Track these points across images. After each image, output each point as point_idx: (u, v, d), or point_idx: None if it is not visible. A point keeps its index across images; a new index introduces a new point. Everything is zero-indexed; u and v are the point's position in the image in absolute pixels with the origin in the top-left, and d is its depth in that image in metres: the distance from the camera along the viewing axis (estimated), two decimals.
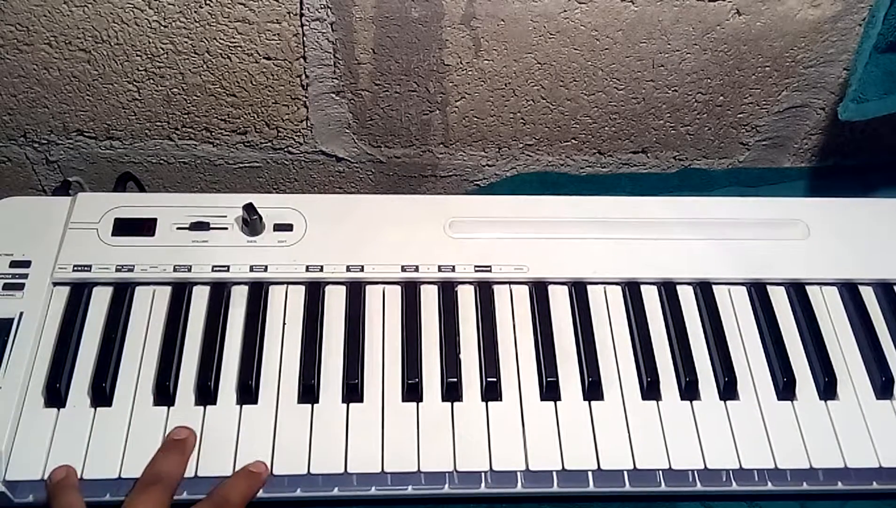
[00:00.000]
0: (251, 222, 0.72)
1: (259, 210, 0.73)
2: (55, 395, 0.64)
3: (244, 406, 0.65)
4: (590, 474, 0.66)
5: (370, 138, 0.93)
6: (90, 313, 0.69)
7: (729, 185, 0.94)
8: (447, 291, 0.72)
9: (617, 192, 0.92)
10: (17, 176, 0.96)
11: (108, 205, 0.74)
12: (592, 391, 0.67)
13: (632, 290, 0.73)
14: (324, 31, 0.81)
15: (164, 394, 0.65)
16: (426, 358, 0.69)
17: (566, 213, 0.77)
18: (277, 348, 0.69)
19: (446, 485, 0.65)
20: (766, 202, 0.79)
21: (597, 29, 0.82)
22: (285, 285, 0.72)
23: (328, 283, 0.72)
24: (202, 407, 0.65)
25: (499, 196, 0.79)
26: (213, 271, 0.71)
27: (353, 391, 0.66)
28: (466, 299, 0.72)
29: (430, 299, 0.72)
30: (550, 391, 0.67)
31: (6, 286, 0.69)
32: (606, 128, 0.92)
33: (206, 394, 0.65)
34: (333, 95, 0.88)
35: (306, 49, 0.83)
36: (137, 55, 0.83)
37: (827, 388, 0.69)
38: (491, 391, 0.67)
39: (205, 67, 0.84)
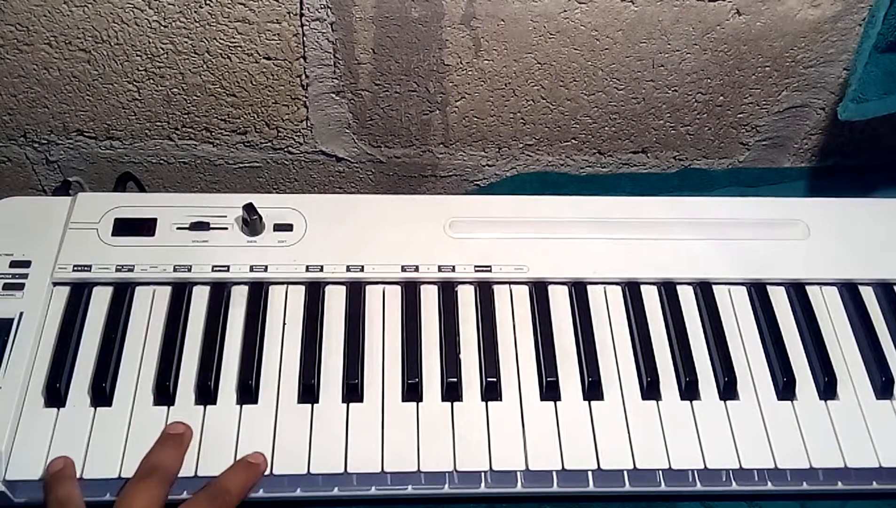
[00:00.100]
0: (251, 222, 0.73)
1: (259, 210, 0.73)
2: (55, 395, 0.64)
3: (244, 406, 0.65)
4: (590, 474, 0.66)
5: (370, 138, 0.93)
6: (90, 314, 0.69)
7: (729, 185, 0.94)
8: (447, 291, 0.72)
9: (617, 192, 0.92)
10: (17, 176, 0.97)
11: (108, 205, 0.74)
12: (592, 390, 0.67)
13: (632, 290, 0.73)
14: (324, 31, 0.81)
15: (164, 394, 0.65)
16: (426, 358, 0.69)
17: (566, 213, 0.77)
18: (277, 348, 0.69)
19: (446, 485, 0.65)
20: (766, 202, 0.79)
21: (597, 29, 0.82)
22: (285, 285, 0.72)
23: (328, 283, 0.72)
24: (202, 407, 0.65)
25: (499, 196, 0.79)
26: (213, 271, 0.71)
27: (353, 391, 0.66)
28: (466, 299, 0.72)
29: (430, 299, 0.72)
30: (550, 390, 0.67)
31: (6, 286, 0.69)
32: (606, 128, 0.92)
33: (206, 394, 0.65)
34: (333, 95, 0.88)
35: (306, 49, 0.83)
36: (137, 55, 0.83)
37: (827, 388, 0.69)
38: (491, 391, 0.67)
39: (205, 67, 0.84)
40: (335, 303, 0.71)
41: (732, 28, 0.83)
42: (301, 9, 0.79)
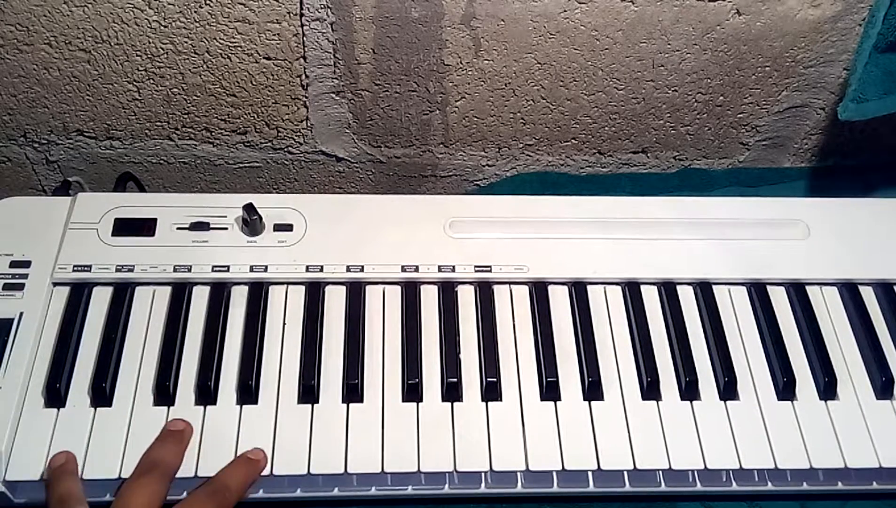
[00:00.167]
0: (251, 222, 0.72)
1: (259, 210, 0.73)
2: (55, 395, 0.64)
3: (244, 406, 0.65)
4: (590, 474, 0.66)
5: (370, 138, 0.93)
6: (90, 314, 0.69)
7: (729, 185, 0.94)
8: (447, 291, 0.72)
9: (617, 192, 0.92)
10: (17, 176, 0.97)
11: (108, 205, 0.74)
12: (592, 391, 0.67)
13: (632, 290, 0.73)
14: (324, 31, 0.81)
15: (164, 394, 0.65)
16: (426, 358, 0.69)
17: (566, 213, 0.77)
18: (277, 348, 0.69)
19: (446, 485, 0.65)
20: (766, 202, 0.79)
21: (597, 29, 0.82)
22: (285, 286, 0.72)
23: (328, 283, 0.72)
24: (202, 407, 0.65)
25: (499, 196, 0.79)
26: (213, 271, 0.71)
27: (353, 392, 0.66)
28: (466, 299, 0.72)
29: (430, 299, 0.72)
30: (550, 391, 0.67)
31: (6, 286, 0.69)
32: (606, 128, 0.92)
33: (206, 394, 0.65)
34: (333, 95, 0.88)
35: (306, 49, 0.83)
36: (137, 55, 0.83)
37: (827, 388, 0.69)
38: (491, 392, 0.67)
39: (205, 67, 0.84)
40: (335, 303, 0.71)
41: (732, 28, 0.83)
42: (301, 9, 0.79)
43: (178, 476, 0.62)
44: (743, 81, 0.88)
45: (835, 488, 0.67)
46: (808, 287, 0.74)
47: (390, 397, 0.67)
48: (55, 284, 0.70)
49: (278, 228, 0.74)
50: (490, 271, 0.73)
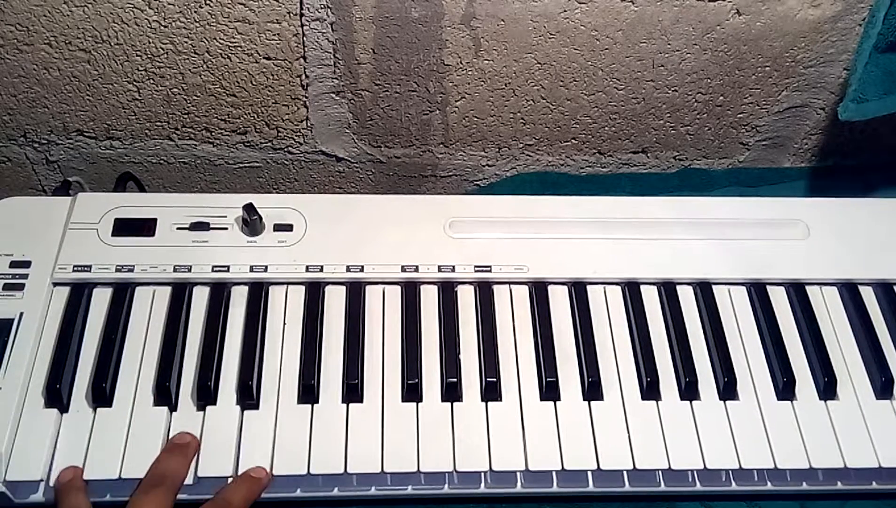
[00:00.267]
0: (251, 222, 0.73)
1: (259, 210, 0.73)
2: (55, 395, 0.64)
3: (244, 407, 0.65)
4: (589, 474, 0.66)
5: (370, 138, 0.93)
6: (90, 314, 0.69)
7: (729, 185, 0.94)
8: (447, 291, 0.72)
9: (617, 192, 0.92)
10: (17, 176, 0.97)
11: (108, 205, 0.74)
12: (592, 391, 0.67)
13: (632, 290, 0.73)
14: (324, 31, 0.81)
15: (165, 394, 0.65)
16: (426, 358, 0.69)
17: (566, 213, 0.77)
18: (277, 348, 0.69)
19: (446, 485, 0.65)
20: (766, 202, 0.79)
21: (597, 29, 0.82)
22: (285, 286, 0.72)
23: (328, 283, 0.72)
24: (202, 408, 0.65)
25: (499, 196, 0.79)
26: (213, 271, 0.71)
27: (352, 392, 0.66)
28: (466, 299, 0.72)
29: (429, 299, 0.72)
30: (550, 391, 0.67)
31: (6, 287, 0.69)
32: (606, 128, 0.92)
33: (207, 394, 0.65)
34: (333, 95, 0.88)
35: (306, 49, 0.83)
36: (137, 55, 0.83)
37: (827, 388, 0.69)
38: (491, 392, 0.67)
39: (205, 67, 0.84)
40: (335, 303, 0.71)
41: (732, 28, 0.83)
42: (301, 9, 0.79)
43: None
44: (743, 81, 0.88)
45: (834, 488, 0.67)
46: (808, 287, 0.74)
47: (390, 397, 0.67)
48: (55, 284, 0.70)
49: (278, 228, 0.74)
50: (490, 271, 0.73)
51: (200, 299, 0.71)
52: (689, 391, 0.68)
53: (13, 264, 0.70)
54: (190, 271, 0.71)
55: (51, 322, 0.68)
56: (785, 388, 0.68)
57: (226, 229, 0.74)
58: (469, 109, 0.89)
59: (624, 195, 0.79)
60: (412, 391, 0.67)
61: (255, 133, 0.92)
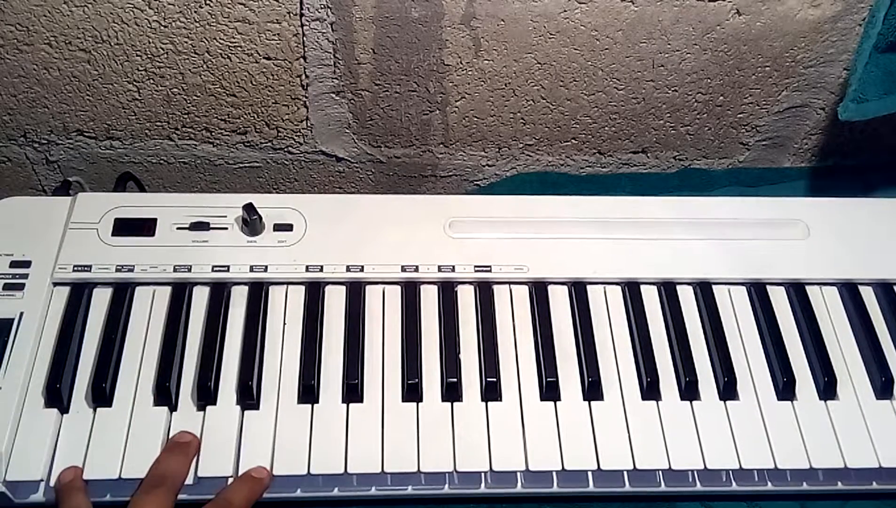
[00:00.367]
0: (251, 222, 0.72)
1: (259, 210, 0.73)
2: (55, 395, 0.64)
3: (244, 407, 0.65)
4: (589, 474, 0.66)
5: (370, 138, 0.93)
6: (90, 314, 0.69)
7: (729, 185, 0.94)
8: (447, 291, 0.72)
9: (617, 192, 0.92)
10: (17, 176, 0.97)
11: (108, 205, 0.74)
12: (592, 391, 0.67)
13: (632, 290, 0.73)
14: (324, 31, 0.81)
15: (165, 394, 0.65)
16: (426, 358, 0.69)
17: (566, 213, 0.77)
18: (277, 348, 0.69)
19: (446, 485, 0.65)
20: (766, 202, 0.79)
21: (597, 29, 0.82)
22: (285, 286, 0.72)
23: (328, 283, 0.72)
24: (202, 408, 0.65)
25: (499, 196, 0.79)
26: (213, 271, 0.71)
27: (352, 392, 0.66)
28: (466, 299, 0.72)
29: (429, 299, 0.72)
30: (550, 391, 0.67)
31: (6, 286, 0.69)
32: (606, 128, 0.92)
33: (206, 394, 0.65)
34: (333, 95, 0.88)
35: (306, 49, 0.83)
36: (137, 55, 0.83)
37: (827, 388, 0.68)
38: (491, 392, 0.67)
39: (205, 67, 0.84)
40: (335, 303, 0.71)
41: (732, 28, 0.83)
42: (301, 9, 0.79)
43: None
44: (743, 81, 0.88)
45: (834, 488, 0.67)
46: (808, 287, 0.74)
47: (390, 397, 0.67)
48: (55, 284, 0.70)
49: (278, 228, 0.74)
50: (490, 271, 0.73)
51: (200, 300, 0.71)
52: (689, 391, 0.68)
53: (13, 264, 0.70)
54: (190, 271, 0.71)
55: (51, 322, 0.68)
56: (785, 388, 0.68)
57: (226, 228, 0.74)
58: (469, 109, 0.89)
59: (624, 195, 0.79)
60: (412, 391, 0.67)
61: (255, 133, 0.92)
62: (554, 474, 0.66)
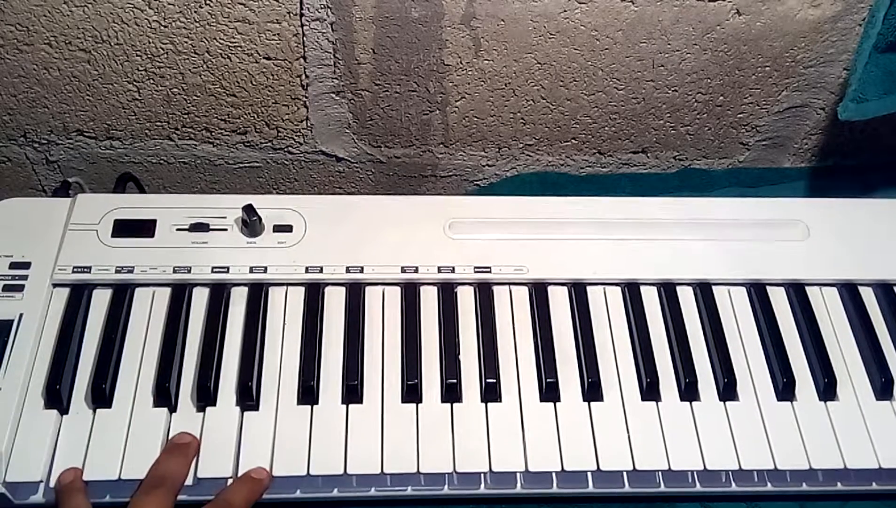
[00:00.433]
0: (251, 223, 0.72)
1: (259, 211, 0.73)
2: (55, 396, 0.64)
3: (244, 408, 0.65)
4: (589, 475, 0.66)
5: (370, 138, 0.93)
6: (90, 315, 0.69)
7: (729, 185, 0.94)
8: (447, 292, 0.72)
9: (617, 192, 0.92)
10: (17, 176, 0.97)
11: (108, 206, 0.74)
12: (592, 392, 0.67)
13: (631, 291, 0.73)
14: (324, 31, 0.81)
15: (164, 396, 0.65)
16: (426, 359, 0.69)
17: (566, 213, 0.77)
18: (277, 349, 0.69)
19: (446, 486, 0.65)
20: (766, 202, 0.79)
21: (597, 29, 0.82)
22: (285, 287, 0.72)
23: (328, 284, 0.72)
24: (202, 409, 0.65)
25: (499, 196, 0.79)
26: (212, 272, 0.71)
27: (352, 393, 0.66)
28: (466, 300, 0.72)
29: (429, 300, 0.72)
30: (550, 392, 0.67)
31: (6, 288, 0.69)
32: (606, 128, 0.92)
33: (206, 395, 0.65)
34: (333, 95, 0.88)
35: (306, 49, 0.83)
36: (137, 55, 0.83)
37: (827, 389, 0.68)
38: (490, 393, 0.67)
39: (205, 67, 0.84)
40: (335, 304, 0.71)
41: (732, 28, 0.83)
42: (301, 9, 0.79)
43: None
44: (743, 81, 0.88)
45: (834, 489, 0.67)
46: (807, 288, 0.74)
47: (390, 398, 0.67)
48: (55, 285, 0.70)
49: (278, 229, 0.74)
50: (490, 271, 0.73)
51: (200, 300, 0.71)
52: (688, 391, 0.68)
53: (13, 265, 0.70)
54: (190, 272, 0.71)
55: (51, 323, 0.68)
56: (785, 389, 0.68)
57: (225, 230, 0.74)
58: (469, 109, 0.89)
59: (624, 195, 0.79)
60: (412, 392, 0.67)
61: (255, 133, 0.92)
62: (553, 475, 0.66)
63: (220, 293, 0.71)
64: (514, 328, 0.71)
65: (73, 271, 0.70)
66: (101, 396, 0.65)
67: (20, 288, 0.69)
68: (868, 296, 0.74)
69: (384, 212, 0.76)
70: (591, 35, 0.83)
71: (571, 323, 0.71)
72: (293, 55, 0.84)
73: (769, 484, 0.67)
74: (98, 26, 0.80)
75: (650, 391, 0.68)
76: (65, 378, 0.65)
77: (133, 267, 0.71)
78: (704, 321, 0.72)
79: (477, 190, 0.99)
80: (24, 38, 0.81)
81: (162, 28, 0.81)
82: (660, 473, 0.66)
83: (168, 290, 0.71)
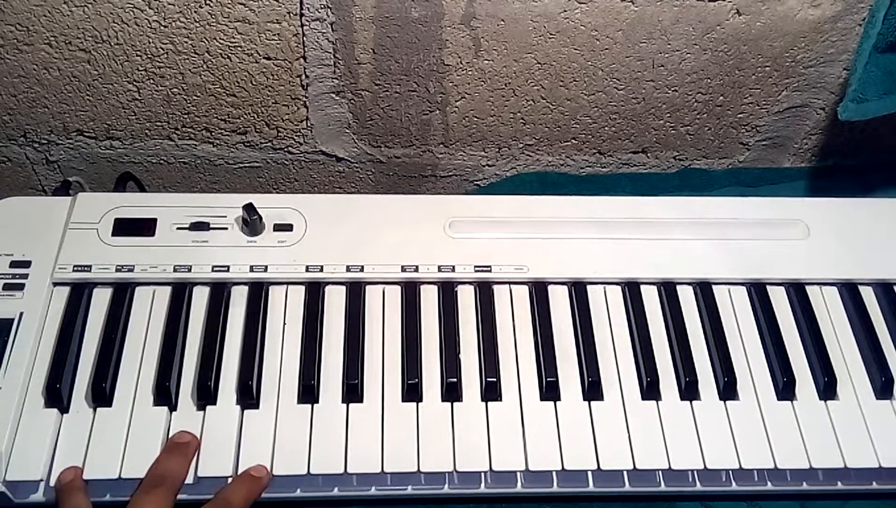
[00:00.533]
0: (251, 222, 0.72)
1: (259, 210, 0.73)
2: (55, 395, 0.64)
3: (244, 406, 0.65)
4: (589, 474, 0.66)
5: (370, 138, 0.93)
6: (90, 314, 0.69)
7: (729, 185, 0.94)
8: (447, 291, 0.72)
9: (617, 192, 0.92)
10: (17, 176, 0.97)
11: (109, 205, 0.74)
12: (592, 391, 0.67)
13: (632, 290, 0.73)
14: (324, 31, 0.81)
15: (165, 394, 0.65)
16: (426, 358, 0.69)
17: (566, 213, 0.77)
18: (277, 348, 0.69)
19: (446, 485, 0.65)
20: (766, 202, 0.79)
21: (597, 29, 0.82)
22: (285, 286, 0.72)
23: (328, 283, 0.72)
24: (202, 407, 0.65)
25: (499, 196, 0.79)
26: (213, 271, 0.71)
27: (352, 392, 0.66)
28: (466, 299, 0.72)
29: (429, 299, 0.72)
30: (550, 391, 0.67)
31: (6, 287, 0.69)
32: (606, 128, 0.92)
33: (206, 394, 0.65)
34: (333, 95, 0.88)
35: (306, 49, 0.83)
36: (137, 55, 0.83)
37: (827, 388, 0.68)
38: (491, 392, 0.67)
39: (205, 67, 0.84)
40: (335, 303, 0.71)
41: (732, 28, 0.83)
42: (301, 9, 0.79)
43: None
44: (743, 81, 0.88)
45: (834, 488, 0.67)
46: (807, 287, 0.74)
47: (390, 397, 0.67)
48: (55, 284, 0.70)
49: (278, 228, 0.74)
50: (490, 271, 0.73)
51: (200, 300, 0.71)
52: (689, 391, 0.68)
53: (13, 264, 0.70)
54: (190, 271, 0.71)
55: (51, 322, 0.68)
56: (785, 388, 0.68)
57: (226, 229, 0.74)
58: (469, 109, 0.89)
59: (624, 195, 0.79)
60: (412, 391, 0.67)
61: (255, 133, 0.92)
62: (554, 474, 0.66)
63: (220, 292, 0.71)
64: (514, 327, 0.71)
65: (74, 270, 0.70)
66: (102, 395, 0.65)
67: (20, 287, 0.69)
68: (868, 295, 0.74)
69: (384, 211, 0.76)
70: (591, 35, 0.83)
71: (572, 322, 0.71)
72: (293, 55, 0.84)
73: (769, 483, 0.67)
74: (98, 26, 0.80)
75: (650, 390, 0.68)
76: (65, 377, 0.65)
77: (133, 266, 0.71)
78: (704, 320, 0.72)
79: (477, 190, 0.99)
80: (24, 38, 0.81)
81: (162, 28, 0.81)
82: (660, 472, 0.66)
83: (168, 289, 0.71)
